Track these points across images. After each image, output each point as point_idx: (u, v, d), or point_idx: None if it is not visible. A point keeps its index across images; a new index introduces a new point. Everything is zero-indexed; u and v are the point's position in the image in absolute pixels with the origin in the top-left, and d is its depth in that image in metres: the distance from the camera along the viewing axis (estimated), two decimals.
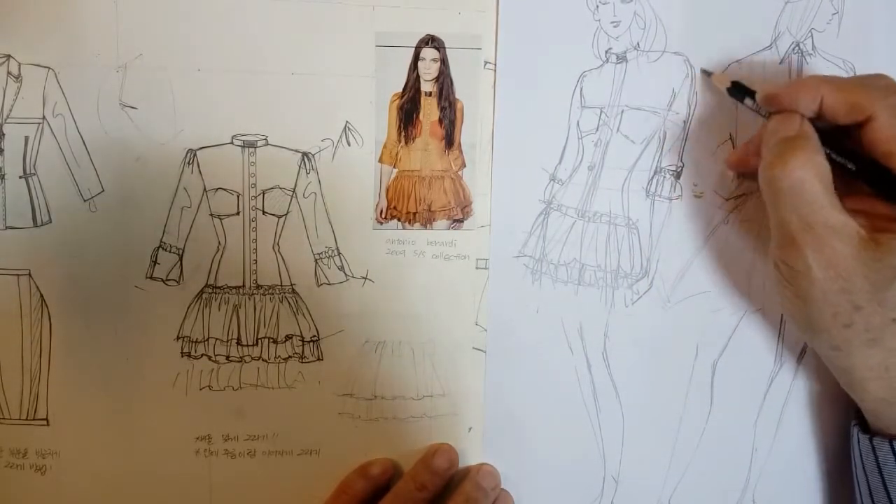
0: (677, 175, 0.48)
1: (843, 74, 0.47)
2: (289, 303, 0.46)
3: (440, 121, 0.46)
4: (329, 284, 0.47)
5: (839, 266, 0.38)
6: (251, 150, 0.45)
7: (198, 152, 0.45)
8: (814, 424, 0.49)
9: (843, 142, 0.41)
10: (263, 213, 0.46)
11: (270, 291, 0.46)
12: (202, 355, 0.46)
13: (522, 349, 0.48)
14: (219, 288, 0.46)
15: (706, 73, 0.47)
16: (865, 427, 0.44)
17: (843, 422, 0.48)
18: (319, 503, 0.47)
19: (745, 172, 0.47)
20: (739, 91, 0.45)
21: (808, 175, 0.39)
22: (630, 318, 0.48)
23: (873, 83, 0.40)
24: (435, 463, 0.47)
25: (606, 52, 0.47)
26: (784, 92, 0.42)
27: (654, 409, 0.49)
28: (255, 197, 0.46)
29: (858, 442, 0.44)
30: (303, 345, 0.47)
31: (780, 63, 0.47)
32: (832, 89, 0.40)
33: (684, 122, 0.47)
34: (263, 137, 0.45)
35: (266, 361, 0.47)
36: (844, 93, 0.40)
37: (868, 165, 0.41)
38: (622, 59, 0.47)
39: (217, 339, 0.46)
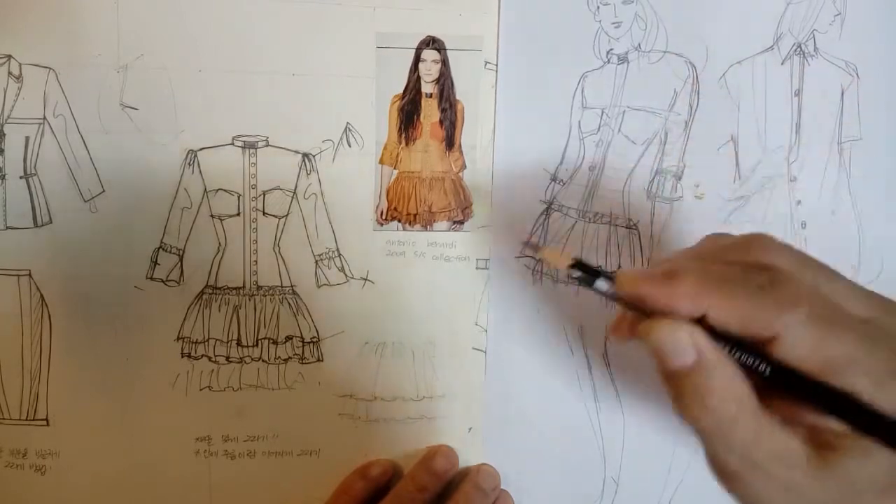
0: (678, 176, 0.48)
1: (846, 76, 0.47)
2: (289, 304, 0.46)
3: (441, 122, 0.46)
4: (329, 285, 0.47)
5: (794, 490, 0.31)
6: (252, 150, 0.45)
7: (198, 153, 0.45)
8: None
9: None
10: (264, 214, 0.46)
11: (271, 292, 0.46)
12: (202, 356, 0.46)
13: (522, 350, 0.48)
14: (219, 289, 0.46)
15: (532, 247, 0.44)
16: None
17: None
18: None
19: None
20: (586, 274, 0.35)
21: (731, 413, 0.30)
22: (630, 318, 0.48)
23: (770, 294, 0.31)
24: (435, 464, 0.47)
25: (607, 52, 0.47)
26: (651, 293, 0.32)
27: (654, 411, 0.49)
28: (256, 198, 0.46)
29: None
30: (303, 346, 0.47)
31: (782, 64, 0.47)
32: (719, 299, 0.31)
33: (685, 123, 0.47)
34: (264, 138, 0.45)
35: (266, 362, 0.47)
36: (735, 306, 0.31)
37: (783, 373, 0.31)
38: (623, 59, 0.47)
39: (217, 339, 0.46)
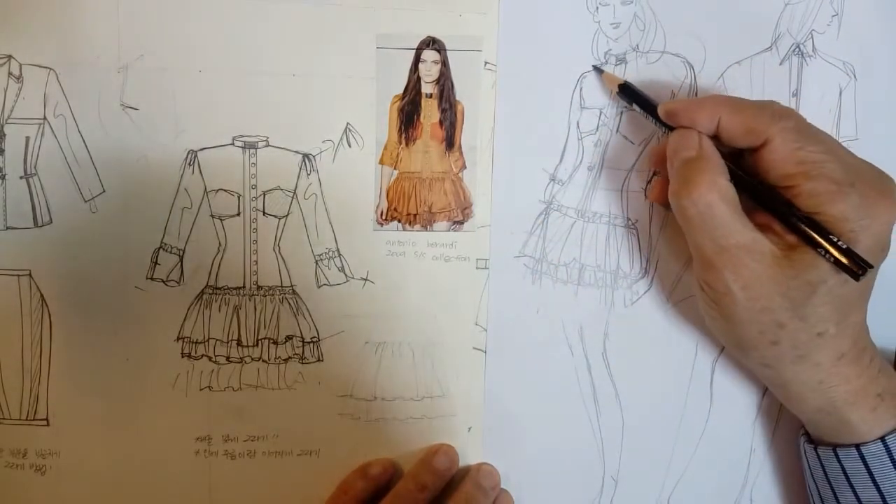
0: None
1: (844, 77, 0.47)
2: (289, 304, 0.47)
3: (441, 122, 0.46)
4: (329, 285, 0.47)
5: (756, 285, 0.39)
6: (252, 151, 0.45)
7: (199, 153, 0.45)
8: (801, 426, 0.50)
9: (741, 165, 0.42)
10: (264, 214, 0.46)
11: (271, 292, 0.46)
12: (202, 356, 0.46)
13: (522, 349, 0.48)
14: (219, 289, 0.46)
15: (598, 70, 0.47)
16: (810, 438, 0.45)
17: None
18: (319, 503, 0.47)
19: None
20: (627, 94, 0.45)
21: (713, 199, 0.39)
22: (630, 318, 0.49)
23: (769, 107, 0.40)
24: (435, 463, 0.47)
25: (606, 53, 0.47)
26: (683, 109, 0.41)
27: (653, 409, 0.49)
28: (256, 198, 0.46)
29: (805, 452, 0.45)
30: (303, 346, 0.47)
31: (780, 64, 0.47)
32: (730, 111, 0.40)
33: None
34: (264, 138, 0.45)
35: (266, 362, 0.47)
36: (742, 115, 0.40)
37: (765, 191, 0.40)
38: (622, 60, 0.47)
39: (217, 339, 0.46)
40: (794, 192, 0.39)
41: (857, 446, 0.41)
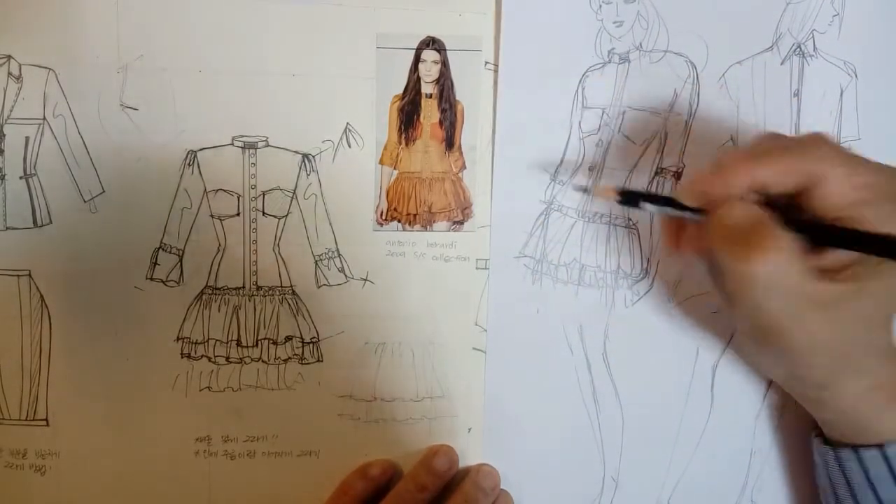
0: (678, 176, 0.48)
1: (846, 77, 0.47)
2: (289, 304, 0.46)
3: (440, 123, 0.46)
4: (329, 286, 0.47)
5: (836, 334, 0.37)
6: (252, 151, 0.45)
7: (198, 153, 0.45)
8: (813, 427, 0.49)
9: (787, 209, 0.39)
10: (264, 214, 0.46)
11: (270, 293, 0.46)
12: (202, 356, 0.46)
13: (522, 350, 0.48)
14: (219, 289, 0.46)
15: (584, 190, 0.47)
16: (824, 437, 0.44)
17: None
18: None
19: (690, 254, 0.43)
20: (631, 198, 0.42)
21: (781, 257, 0.36)
22: (630, 318, 0.48)
23: (806, 142, 0.38)
24: (435, 464, 0.47)
25: (609, 52, 0.46)
26: (711, 182, 0.38)
27: (653, 410, 0.49)
28: (256, 198, 0.46)
29: (821, 454, 0.44)
30: (302, 346, 0.47)
31: (782, 64, 0.47)
32: (770, 165, 0.37)
33: (685, 123, 0.47)
34: (264, 139, 0.45)
35: (266, 363, 0.47)
36: (785, 164, 0.37)
37: (823, 227, 0.38)
38: (624, 59, 0.47)
39: (217, 340, 0.46)
40: (857, 219, 0.37)
41: (881, 447, 0.40)
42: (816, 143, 0.38)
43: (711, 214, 0.38)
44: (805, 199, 0.38)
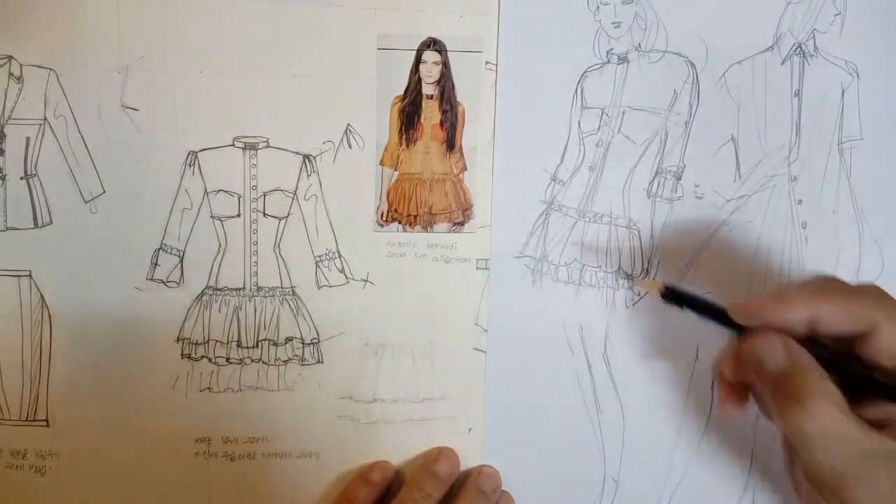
0: (678, 176, 0.48)
1: (847, 76, 0.47)
2: (289, 305, 0.46)
3: (441, 124, 0.46)
4: (329, 287, 0.47)
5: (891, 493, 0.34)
6: (252, 151, 0.45)
7: (199, 154, 0.45)
8: None
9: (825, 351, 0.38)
10: (264, 215, 0.46)
11: (271, 293, 0.46)
12: (202, 357, 0.46)
13: (523, 350, 0.48)
14: (219, 290, 0.46)
15: (629, 279, 0.47)
16: None
17: None
18: None
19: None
20: (674, 297, 0.41)
21: (832, 410, 0.34)
22: (631, 318, 0.48)
23: (866, 289, 0.37)
24: (437, 469, 0.46)
25: (607, 52, 0.47)
26: (768, 307, 0.38)
27: (654, 411, 0.49)
28: (256, 199, 0.46)
29: None
30: (303, 347, 0.47)
31: (782, 64, 0.47)
32: (828, 303, 0.36)
33: (685, 122, 0.47)
34: (265, 139, 0.45)
35: (266, 364, 0.47)
36: (842, 306, 0.36)
37: (870, 376, 0.37)
38: (623, 59, 0.47)
39: (217, 341, 0.46)
40: None
41: None
42: (874, 292, 0.37)
43: (752, 338, 0.38)
44: (857, 345, 0.37)
